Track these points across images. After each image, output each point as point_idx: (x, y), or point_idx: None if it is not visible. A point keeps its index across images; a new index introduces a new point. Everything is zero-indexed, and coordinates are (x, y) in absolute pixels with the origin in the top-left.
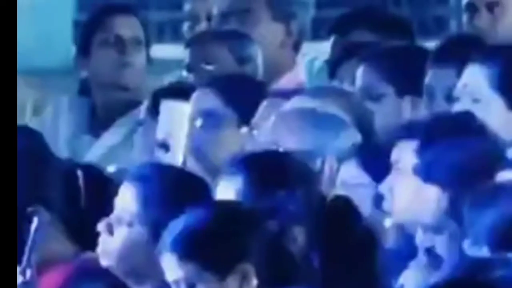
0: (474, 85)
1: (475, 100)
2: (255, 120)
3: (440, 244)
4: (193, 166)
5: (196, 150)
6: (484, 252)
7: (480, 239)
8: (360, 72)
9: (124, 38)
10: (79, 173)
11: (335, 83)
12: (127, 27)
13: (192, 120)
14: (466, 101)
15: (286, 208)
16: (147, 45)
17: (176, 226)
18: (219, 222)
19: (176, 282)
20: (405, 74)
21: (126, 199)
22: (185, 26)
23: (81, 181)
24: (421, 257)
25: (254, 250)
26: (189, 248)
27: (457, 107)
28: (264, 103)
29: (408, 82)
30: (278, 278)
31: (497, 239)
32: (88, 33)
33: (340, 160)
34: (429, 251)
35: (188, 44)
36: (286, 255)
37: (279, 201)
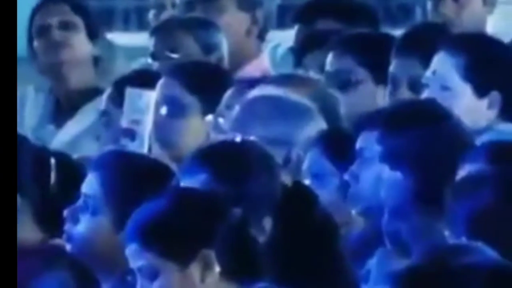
0: (443, 73)
1: (444, 88)
2: (220, 108)
3: (406, 231)
4: (158, 154)
5: (161, 137)
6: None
7: (457, 229)
8: (334, 57)
9: (52, 25)
10: (52, 160)
11: (300, 71)
12: (55, 14)
13: (157, 107)
14: (435, 88)
15: (250, 197)
16: (92, 31)
17: (138, 215)
18: (180, 210)
19: (140, 269)
20: (381, 62)
21: (90, 187)
22: (151, 14)
23: (52, 168)
24: (387, 244)
25: (217, 238)
26: (151, 237)
27: (426, 94)
28: (229, 91)
29: (384, 70)
30: (242, 266)
31: (473, 230)
32: (29, 24)
33: (306, 148)
34: (395, 238)
35: (153, 32)
36: (250, 243)
37: (242, 190)
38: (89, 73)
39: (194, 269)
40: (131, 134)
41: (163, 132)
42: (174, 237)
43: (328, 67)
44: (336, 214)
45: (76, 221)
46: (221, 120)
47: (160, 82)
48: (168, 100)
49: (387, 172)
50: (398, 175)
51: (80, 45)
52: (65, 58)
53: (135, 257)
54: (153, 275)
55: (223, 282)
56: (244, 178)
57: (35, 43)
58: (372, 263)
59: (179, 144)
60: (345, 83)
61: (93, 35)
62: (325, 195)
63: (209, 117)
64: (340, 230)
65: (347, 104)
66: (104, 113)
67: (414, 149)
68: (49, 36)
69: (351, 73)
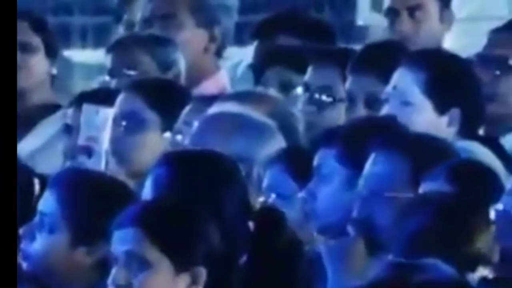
0: (404, 88)
1: (405, 103)
2: (178, 124)
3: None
4: (115, 171)
5: (118, 153)
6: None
7: (397, 248)
8: (317, 71)
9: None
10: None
11: (260, 88)
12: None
13: (116, 123)
14: (396, 104)
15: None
16: (51, 49)
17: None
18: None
19: (128, 254)
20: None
21: (47, 205)
22: (121, 29)
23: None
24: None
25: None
26: (158, 227)
27: (386, 110)
28: (187, 108)
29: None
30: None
31: (412, 248)
32: None
33: (266, 166)
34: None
35: (110, 49)
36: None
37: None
38: (47, 90)
39: (182, 280)
40: (88, 151)
41: (120, 148)
42: (181, 241)
43: (311, 80)
44: (299, 232)
45: (32, 239)
46: (179, 136)
47: (120, 97)
48: (128, 114)
49: (343, 191)
50: (352, 194)
51: (39, 66)
52: (22, 81)
53: (127, 241)
54: (142, 265)
55: None
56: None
57: None
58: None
59: (136, 160)
60: (327, 101)
61: (52, 53)
62: (289, 213)
63: (167, 134)
64: (303, 248)
65: (321, 121)
66: (67, 128)
67: (371, 172)
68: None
69: (334, 90)
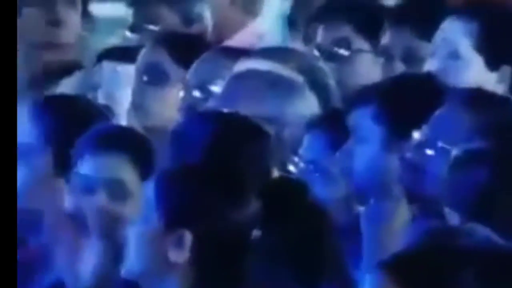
0: (453, 40)
1: (454, 56)
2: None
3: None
4: (133, 124)
5: (138, 105)
6: (456, 220)
7: (455, 207)
8: (327, 27)
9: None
10: None
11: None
12: None
13: (138, 75)
14: (443, 57)
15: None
16: (84, 2)
17: None
18: None
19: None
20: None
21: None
22: None
23: None
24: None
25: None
26: None
27: (433, 63)
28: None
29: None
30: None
31: (470, 208)
32: None
33: (300, 128)
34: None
35: (132, 3)
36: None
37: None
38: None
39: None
40: (109, 111)
41: (140, 100)
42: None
43: (320, 39)
44: (338, 210)
45: None
46: (196, 93)
47: (145, 49)
48: (150, 67)
49: (381, 153)
50: (392, 156)
51: (77, 20)
52: (62, 35)
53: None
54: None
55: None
56: (235, 153)
57: (24, 9)
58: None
59: (154, 113)
60: (340, 54)
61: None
62: (325, 186)
63: (171, 89)
64: (328, 218)
65: (342, 77)
66: (94, 86)
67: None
68: (48, 8)
69: (348, 43)
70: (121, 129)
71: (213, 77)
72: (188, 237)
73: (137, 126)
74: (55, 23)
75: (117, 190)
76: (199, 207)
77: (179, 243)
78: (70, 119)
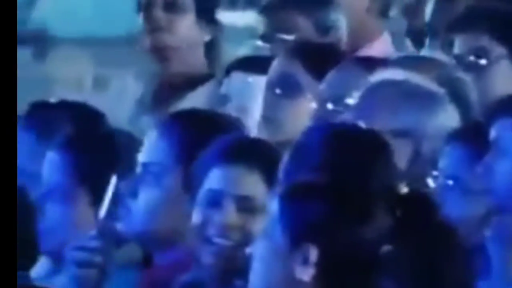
0: None
1: None
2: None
3: None
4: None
5: (270, 119)
6: None
7: None
8: (466, 35)
9: (156, 2)
10: None
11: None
12: None
13: (270, 87)
14: None
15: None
16: (203, 12)
17: None
18: None
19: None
20: None
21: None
22: None
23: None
24: None
25: None
26: None
27: None
28: (334, 71)
29: None
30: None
31: None
32: None
33: (438, 141)
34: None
35: (263, 11)
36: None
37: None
38: (197, 57)
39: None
40: (239, 124)
41: (273, 114)
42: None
43: (458, 48)
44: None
45: (134, 196)
46: (329, 105)
47: (277, 60)
48: (283, 78)
49: None
50: None
51: (187, 29)
52: (168, 42)
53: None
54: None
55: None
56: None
57: (141, 16)
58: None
59: (288, 127)
60: (479, 64)
61: (205, 16)
62: (463, 203)
63: (302, 101)
64: (459, 238)
65: (479, 88)
66: (224, 99)
67: None
68: (152, 15)
69: (486, 51)
70: (251, 140)
71: (348, 89)
72: (314, 252)
73: (268, 140)
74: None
75: (246, 204)
76: (325, 222)
77: (305, 259)
78: (201, 134)
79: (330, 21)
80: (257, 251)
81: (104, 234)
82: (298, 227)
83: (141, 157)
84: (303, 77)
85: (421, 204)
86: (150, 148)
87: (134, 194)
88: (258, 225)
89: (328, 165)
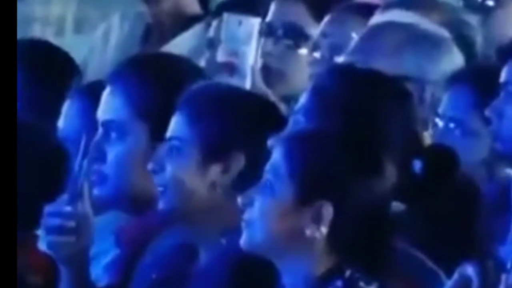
0: None
1: None
2: (316, 38)
3: None
4: (262, 90)
5: (271, 70)
6: None
7: None
8: None
9: None
10: None
11: None
12: None
13: (271, 33)
14: None
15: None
16: None
17: None
18: None
19: None
20: None
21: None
22: None
23: None
24: None
25: None
26: None
27: None
28: (327, 18)
29: None
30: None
31: None
32: None
33: (442, 86)
34: None
35: None
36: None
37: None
38: None
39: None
40: (230, 68)
41: (275, 63)
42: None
43: None
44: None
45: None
46: (316, 54)
47: (276, 4)
48: (288, 26)
49: None
50: None
51: None
52: None
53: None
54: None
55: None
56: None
57: None
58: None
59: (291, 80)
60: (486, 5)
61: None
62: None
63: (303, 51)
64: (480, 194)
65: (487, 30)
66: (210, 42)
67: None
68: None
69: None
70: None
71: (348, 38)
72: (328, 210)
73: (267, 93)
74: None
75: None
76: (338, 176)
77: (318, 217)
78: (157, 84)
79: None
80: (256, 207)
81: (76, 198)
82: (309, 181)
83: (99, 114)
84: (307, 22)
85: (444, 158)
86: (106, 104)
87: (102, 157)
88: None
89: (344, 111)
